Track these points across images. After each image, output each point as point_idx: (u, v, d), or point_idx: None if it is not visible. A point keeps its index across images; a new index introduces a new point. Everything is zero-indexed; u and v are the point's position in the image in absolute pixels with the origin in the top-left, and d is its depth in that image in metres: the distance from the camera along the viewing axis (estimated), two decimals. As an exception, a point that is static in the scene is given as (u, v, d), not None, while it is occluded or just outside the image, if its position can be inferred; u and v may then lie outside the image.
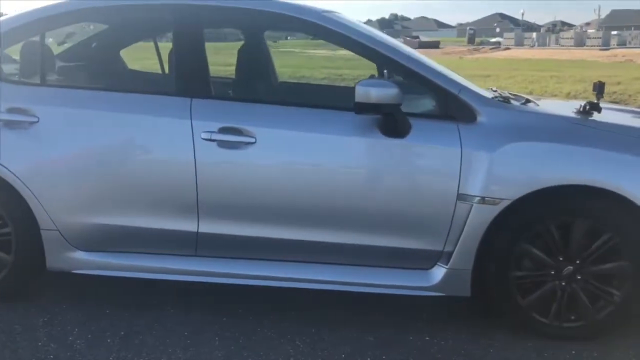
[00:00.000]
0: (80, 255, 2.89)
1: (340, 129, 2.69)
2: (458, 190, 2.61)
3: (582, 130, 2.67)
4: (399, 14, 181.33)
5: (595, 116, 2.80)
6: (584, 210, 2.60)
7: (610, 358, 2.58)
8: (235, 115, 2.73)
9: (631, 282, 2.59)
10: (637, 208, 2.51)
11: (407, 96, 2.94)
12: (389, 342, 2.68)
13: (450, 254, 2.68)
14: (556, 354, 2.61)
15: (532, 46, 43.79)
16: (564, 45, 40.42)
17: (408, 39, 56.21)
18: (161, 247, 2.87)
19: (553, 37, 45.74)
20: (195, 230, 2.79)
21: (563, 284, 2.64)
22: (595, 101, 2.86)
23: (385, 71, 3.04)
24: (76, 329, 2.75)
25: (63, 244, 2.87)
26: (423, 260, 2.74)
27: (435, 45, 48.36)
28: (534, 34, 48.96)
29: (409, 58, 2.76)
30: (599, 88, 2.93)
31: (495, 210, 2.58)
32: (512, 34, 52.68)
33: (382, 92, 2.54)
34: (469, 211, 2.60)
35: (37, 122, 2.78)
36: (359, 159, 2.70)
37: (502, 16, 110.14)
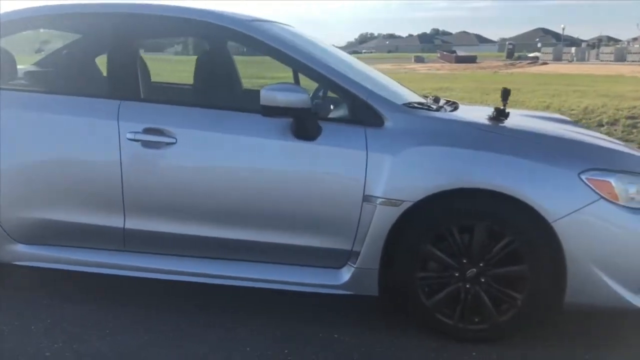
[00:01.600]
0: (21, 248, 3.08)
1: (255, 131, 2.80)
2: (364, 192, 2.70)
3: (483, 135, 2.72)
4: (441, 28, 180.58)
5: (504, 122, 2.85)
6: (484, 213, 2.64)
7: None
8: (159, 117, 2.88)
9: (531, 285, 2.63)
10: (536, 213, 2.55)
11: (331, 102, 3.09)
12: (294, 338, 2.76)
13: (358, 254, 2.76)
14: (456, 355, 2.65)
15: (571, 61, 43.05)
16: (603, 61, 39.66)
17: (445, 53, 56.14)
18: (94, 241, 3.03)
19: (593, 52, 44.84)
20: (122, 226, 2.95)
21: (467, 286, 2.69)
22: (502, 107, 2.90)
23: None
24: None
25: (4, 237, 3.05)
26: (334, 259, 2.82)
27: (472, 59, 48.03)
28: (573, 49, 48.10)
29: (325, 66, 2.86)
30: (504, 94, 2.97)
31: (398, 211, 2.65)
32: (550, 49, 51.84)
33: (289, 97, 2.65)
34: (374, 212, 2.68)
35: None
36: (271, 161, 2.81)
37: (545, 31, 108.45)
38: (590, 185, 2.55)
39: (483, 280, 2.68)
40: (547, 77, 26.04)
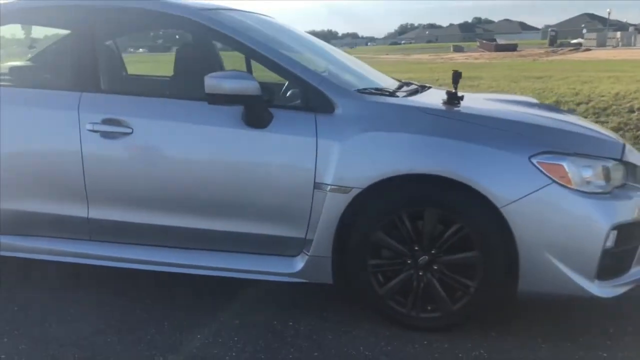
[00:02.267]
0: None
1: (207, 120, 2.81)
2: (315, 179, 2.68)
3: (432, 120, 2.65)
4: (483, 17, 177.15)
5: (457, 106, 2.77)
6: (434, 200, 2.59)
7: (460, 349, 2.55)
8: (117, 108, 2.92)
9: (483, 273, 2.56)
10: (485, 198, 2.48)
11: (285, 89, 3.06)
12: (247, 325, 2.77)
13: (312, 242, 2.74)
14: (407, 343, 2.61)
15: (615, 46, 41.58)
16: (650, 45, 38.12)
17: (485, 42, 55.12)
18: (62, 231, 3.10)
19: (640, 36, 43.22)
20: (86, 216, 3.01)
21: (419, 273, 2.65)
22: (453, 91, 2.82)
23: None
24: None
25: None
26: (289, 247, 2.82)
27: (512, 48, 46.94)
28: (618, 34, 46.43)
29: (277, 53, 2.84)
30: (455, 78, 2.88)
31: (347, 198, 2.63)
32: (594, 35, 50.20)
33: (237, 84, 2.65)
34: (324, 199, 2.66)
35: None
36: (223, 149, 2.81)
37: (591, 16, 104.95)
38: (542, 169, 2.46)
39: (435, 267, 2.63)
40: (587, 63, 25.19)
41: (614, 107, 11.20)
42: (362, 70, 3.64)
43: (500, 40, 55.92)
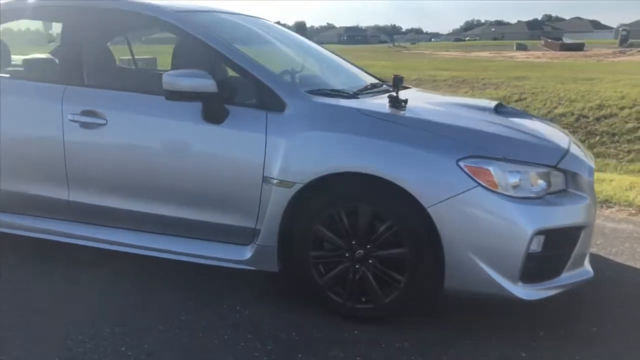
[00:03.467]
0: None
1: (171, 114, 3.03)
2: (263, 174, 2.86)
3: (370, 122, 2.77)
4: (554, 14, 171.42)
5: (399, 109, 2.88)
6: (367, 198, 2.73)
7: (386, 340, 2.68)
8: (94, 100, 3.20)
9: (412, 269, 2.68)
10: (414, 199, 2.60)
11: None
12: (197, 309, 2.99)
13: (260, 232, 2.93)
14: (336, 332, 2.76)
15: (691, 48, 39.42)
16: None
17: (550, 40, 53.35)
18: (46, 211, 3.41)
19: None
20: (67, 198, 3.31)
21: (356, 266, 2.79)
22: (394, 94, 2.93)
23: None
24: None
25: None
26: (242, 236, 3.02)
27: (579, 47, 45.32)
28: (694, 35, 43.93)
29: (238, 54, 3.03)
30: (395, 81, 2.99)
31: (290, 192, 2.80)
32: (668, 35, 47.70)
33: (193, 82, 2.86)
34: (271, 193, 2.84)
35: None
36: (183, 142, 3.04)
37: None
38: (468, 173, 2.56)
39: (370, 261, 2.77)
40: (652, 66, 24.20)
41: (660, 112, 10.83)
42: (338, 70, 3.82)
43: (567, 40, 54.04)
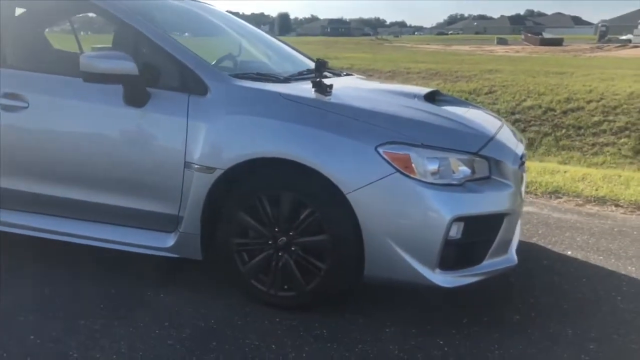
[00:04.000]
0: None
1: (91, 97, 2.95)
2: (185, 159, 2.80)
3: (291, 106, 2.72)
4: (536, 9, 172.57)
5: (322, 95, 2.83)
6: (287, 184, 2.68)
7: (305, 328, 2.65)
8: (17, 83, 3.10)
9: (333, 256, 2.64)
10: (333, 184, 2.56)
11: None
12: (119, 297, 2.93)
13: (183, 219, 2.87)
14: (258, 319, 2.72)
15: (667, 44, 39.90)
16: None
17: (530, 35, 53.66)
18: None
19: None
20: (-2, 185, 3.21)
21: (279, 254, 2.74)
22: (317, 80, 2.88)
23: None
24: None
25: None
26: (166, 223, 2.95)
27: (558, 42, 45.71)
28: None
29: (161, 36, 2.95)
30: (318, 66, 2.94)
31: (212, 178, 2.74)
32: (644, 31, 48.24)
33: (110, 64, 2.77)
34: (192, 178, 2.78)
35: None
36: (103, 126, 2.94)
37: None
38: (387, 159, 2.52)
39: (293, 249, 2.72)
40: (628, 61, 24.38)
41: (625, 106, 10.95)
42: (285, 58, 3.77)
43: (547, 35, 54.40)
